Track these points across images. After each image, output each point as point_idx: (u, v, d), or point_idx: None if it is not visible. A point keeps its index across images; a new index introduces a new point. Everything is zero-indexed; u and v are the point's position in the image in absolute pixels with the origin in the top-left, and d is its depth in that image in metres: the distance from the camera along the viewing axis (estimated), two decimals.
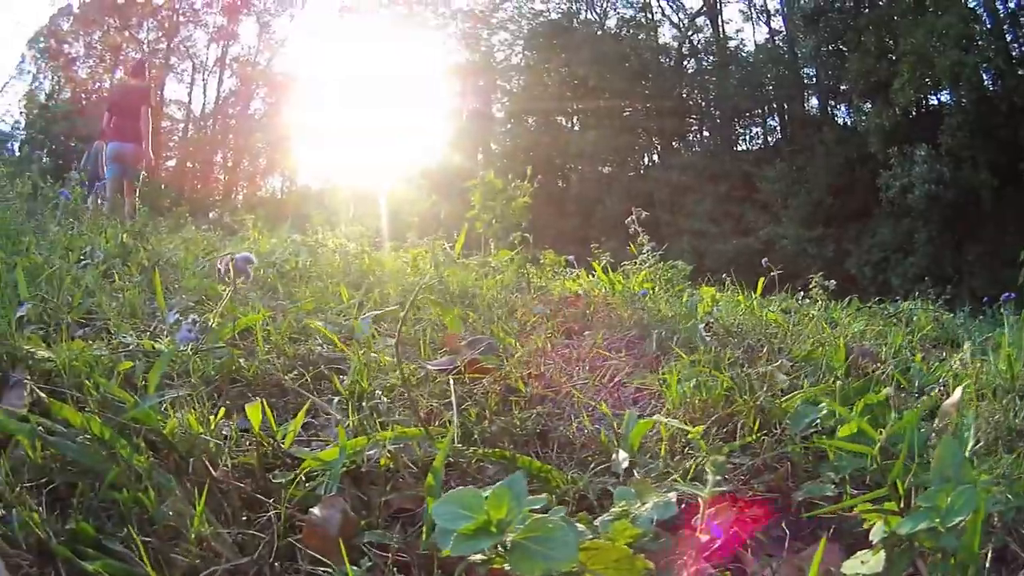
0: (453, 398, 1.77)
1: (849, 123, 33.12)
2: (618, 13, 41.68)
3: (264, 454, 1.45)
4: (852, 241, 28.02)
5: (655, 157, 40.30)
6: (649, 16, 40.55)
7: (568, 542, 0.94)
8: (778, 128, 36.85)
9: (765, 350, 2.88)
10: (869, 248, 27.48)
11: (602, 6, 42.03)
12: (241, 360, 1.97)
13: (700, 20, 39.72)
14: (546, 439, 1.82)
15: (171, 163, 51.72)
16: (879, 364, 2.74)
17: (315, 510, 1.26)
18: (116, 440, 1.31)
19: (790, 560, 1.33)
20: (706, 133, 39.87)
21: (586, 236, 32.62)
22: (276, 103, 50.04)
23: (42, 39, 55.34)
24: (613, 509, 1.24)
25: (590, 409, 1.92)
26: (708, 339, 2.89)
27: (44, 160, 48.49)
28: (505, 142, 43.41)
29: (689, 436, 1.67)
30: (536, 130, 40.48)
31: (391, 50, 49.22)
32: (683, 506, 1.39)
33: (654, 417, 1.75)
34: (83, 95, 53.38)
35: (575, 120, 41.80)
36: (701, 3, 39.29)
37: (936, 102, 30.11)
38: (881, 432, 1.54)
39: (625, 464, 1.58)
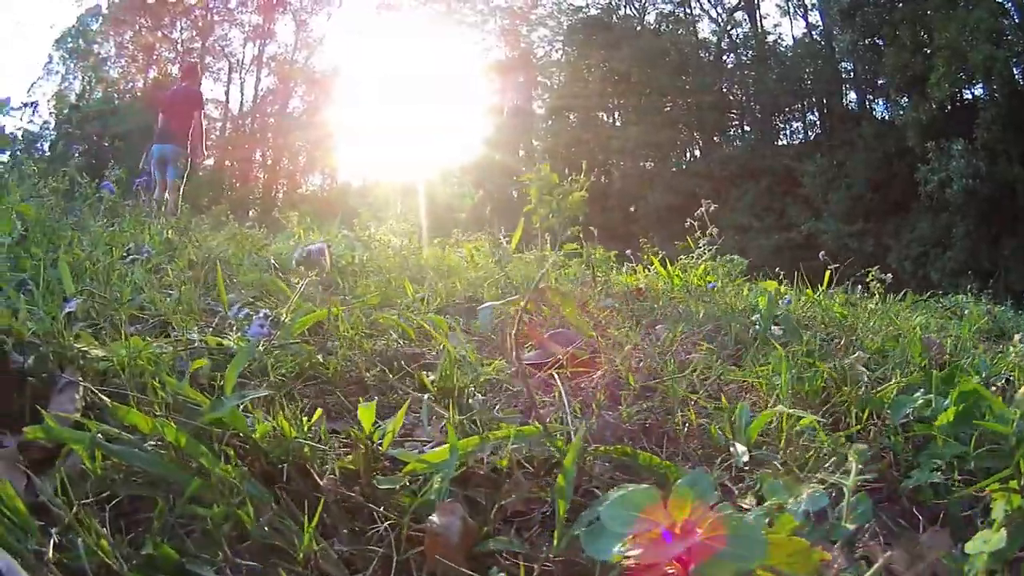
0: (563, 393, 1.76)
1: (887, 117, 33.45)
2: (657, 8, 42.50)
3: (358, 456, 1.43)
4: (892, 236, 28.66)
5: (696, 152, 41.20)
6: (688, 11, 41.29)
7: (758, 540, 0.93)
8: (817, 122, 37.55)
9: (843, 342, 3.02)
10: (908, 243, 28.13)
11: (641, 1, 42.82)
12: (319, 356, 2.01)
13: (738, 15, 40.31)
14: (650, 433, 1.84)
15: (209, 162, 51.31)
16: (947, 356, 2.94)
17: (434, 518, 1.24)
18: (195, 448, 1.27)
19: (906, 545, 1.35)
20: (746, 128, 40.49)
21: (628, 232, 31.68)
22: (315, 101, 51.28)
23: (70, 39, 56.74)
24: (766, 503, 1.25)
25: (691, 402, 1.96)
26: (780, 333, 2.98)
27: (78, 158, 50.92)
28: (546, 139, 44.21)
29: (802, 424, 1.77)
30: (577, 126, 41.21)
31: (430, 47, 50.64)
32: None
33: (777, 408, 1.82)
34: (115, 95, 55.37)
35: (616, 116, 42.67)
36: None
37: (971, 96, 30.54)
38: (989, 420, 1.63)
39: (745, 457, 1.63)
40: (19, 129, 58.39)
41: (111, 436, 1.27)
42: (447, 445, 1.41)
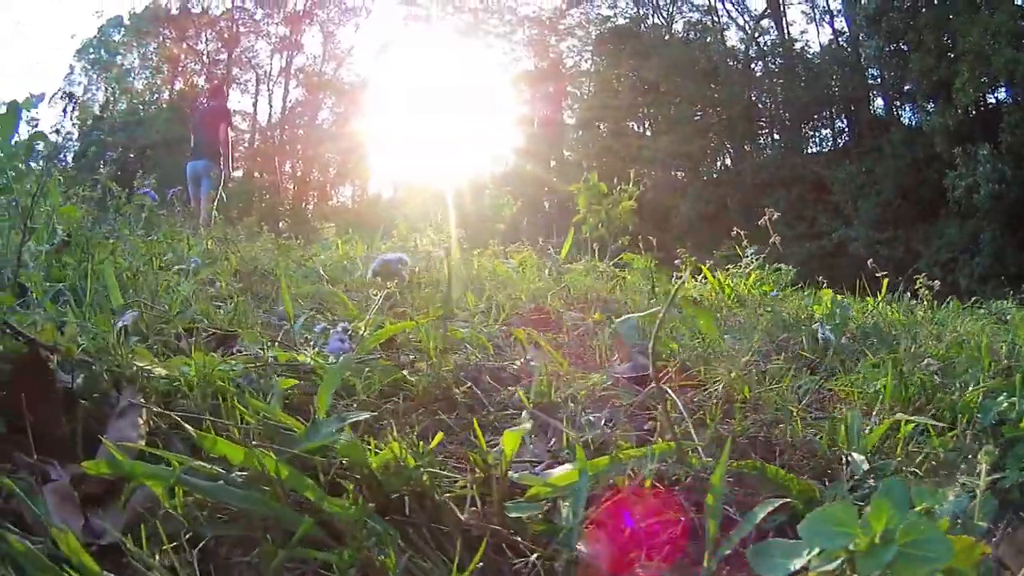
0: (681, 407, 1.77)
1: (915, 124, 33.86)
2: (684, 16, 43.39)
3: (477, 482, 1.36)
4: (921, 242, 29.08)
5: (727, 161, 41.70)
6: (715, 19, 42.03)
7: (944, 541, 0.94)
8: (846, 130, 38.12)
9: (912, 349, 3.01)
10: (938, 248, 28.56)
11: (668, 10, 43.67)
12: (404, 372, 1.96)
13: (765, 22, 40.90)
14: (756, 445, 1.87)
15: (238, 173, 52.53)
16: (1006, 361, 2.96)
17: (581, 546, 1.22)
18: (299, 481, 1.18)
19: (1011, 540, 1.38)
20: (776, 136, 41.15)
21: (661, 241, 35.03)
22: (344, 112, 52.11)
23: (92, 50, 57.53)
24: (916, 508, 1.16)
25: (793, 413, 1.98)
26: (846, 342, 3.04)
27: (102, 170, 51.49)
28: (577, 149, 45.38)
29: (906, 429, 1.82)
30: (608, 136, 41.65)
31: (458, 58, 51.56)
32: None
33: (897, 416, 1.88)
34: (140, 106, 56.23)
35: (646, 125, 43.37)
36: (765, 5, 40.28)
37: (995, 100, 31.06)
38: None
39: (865, 465, 1.65)
40: (55, 129, 59.37)
41: (190, 468, 1.20)
42: (572, 467, 1.38)
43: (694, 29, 42.50)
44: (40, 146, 2.94)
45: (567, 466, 1.43)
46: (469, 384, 2.04)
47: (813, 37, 41.93)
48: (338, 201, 52.96)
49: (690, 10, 43.08)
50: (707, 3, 41.91)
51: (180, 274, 3.24)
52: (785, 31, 40.02)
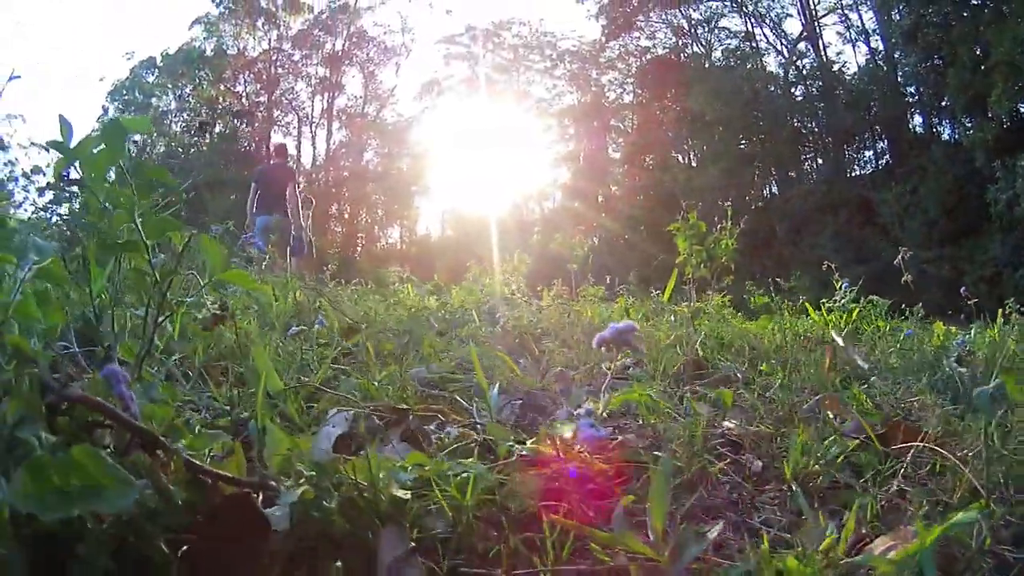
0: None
1: (955, 139, 34.44)
2: (723, 44, 45.03)
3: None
4: (966, 259, 29.64)
5: (773, 189, 43.25)
6: (753, 44, 43.44)
7: None
8: (887, 149, 38.64)
9: None
10: (982, 264, 29.23)
11: (707, 38, 45.33)
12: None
13: (802, 45, 42.49)
14: None
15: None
16: None
17: None
18: None
19: None
20: (820, 161, 42.23)
21: (710, 272, 36.59)
22: (389, 153, 54.03)
23: (125, 91, 59.35)
24: None
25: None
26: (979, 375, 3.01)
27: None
28: (624, 182, 46.94)
29: None
30: (654, 168, 43.28)
31: (501, 95, 53.76)
32: None
33: None
34: (180, 149, 57.98)
35: (691, 156, 44.95)
36: (801, 28, 41.79)
37: None
38: None
39: None
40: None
41: None
42: (911, 541, 1.24)
43: (733, 56, 44.02)
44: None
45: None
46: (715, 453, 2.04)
47: (850, 57, 43.62)
48: (386, 243, 54.35)
49: (728, 37, 44.77)
50: (744, 29, 43.48)
51: (304, 338, 3.20)
52: (823, 53, 41.47)
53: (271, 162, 14.00)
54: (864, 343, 4.72)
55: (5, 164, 53.48)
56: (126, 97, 59.81)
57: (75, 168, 2.11)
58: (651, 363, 3.32)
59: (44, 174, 56.67)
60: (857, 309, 5.45)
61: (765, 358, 3.69)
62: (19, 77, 2.44)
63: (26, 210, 55.72)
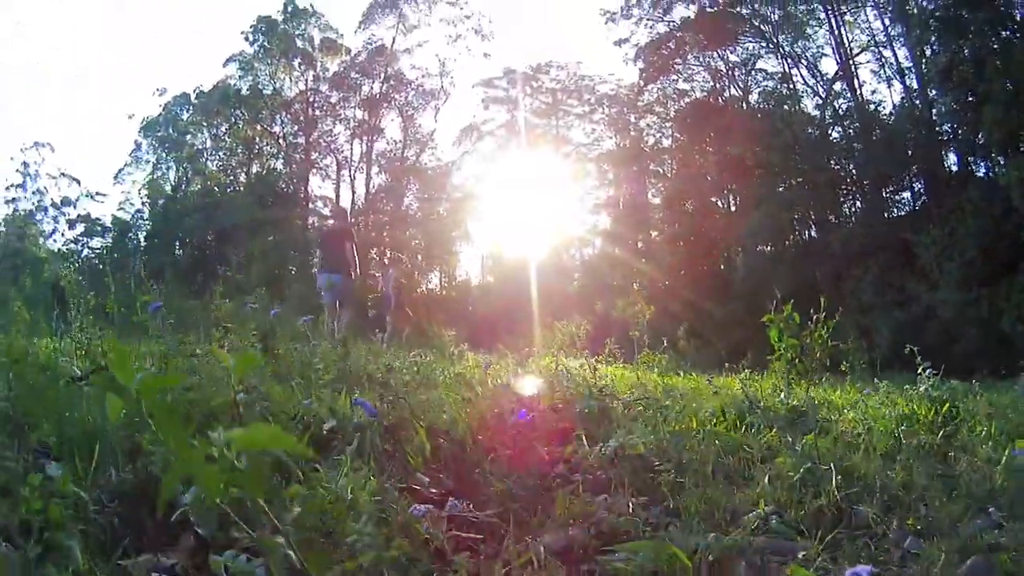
0: None
1: (989, 177, 34.60)
2: (759, 86, 46.21)
3: None
4: (1003, 299, 29.29)
5: (812, 232, 42.53)
6: (790, 86, 44.34)
7: None
8: (923, 190, 38.86)
9: None
10: (1019, 303, 28.79)
11: (744, 80, 46.63)
12: None
13: (838, 85, 43.13)
14: None
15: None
16: None
17: None
18: None
19: None
20: (859, 203, 42.31)
21: (752, 320, 36.41)
22: (429, 198, 55.65)
23: (159, 127, 61.20)
24: None
25: None
26: None
27: (178, 252, 55.54)
28: (663, 228, 48.20)
29: None
30: (694, 214, 44.30)
31: (540, 140, 55.53)
32: None
33: None
34: (216, 188, 60.11)
35: (731, 200, 46.12)
36: (837, 67, 42.67)
37: None
38: None
39: None
40: (121, 206, 61.49)
41: None
42: None
43: (770, 98, 44.99)
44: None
45: None
46: None
47: (885, 95, 43.20)
48: (426, 289, 55.18)
49: (764, 78, 46.09)
50: (781, 70, 44.64)
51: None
52: (859, 93, 42.24)
53: (330, 223, 15.13)
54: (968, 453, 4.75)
55: (33, 193, 56.11)
56: (160, 134, 61.65)
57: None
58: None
59: (74, 206, 58.85)
60: (947, 406, 5.23)
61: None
62: None
63: (55, 240, 58.39)
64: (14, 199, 55.93)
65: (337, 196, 58.96)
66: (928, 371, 5.61)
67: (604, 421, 4.78)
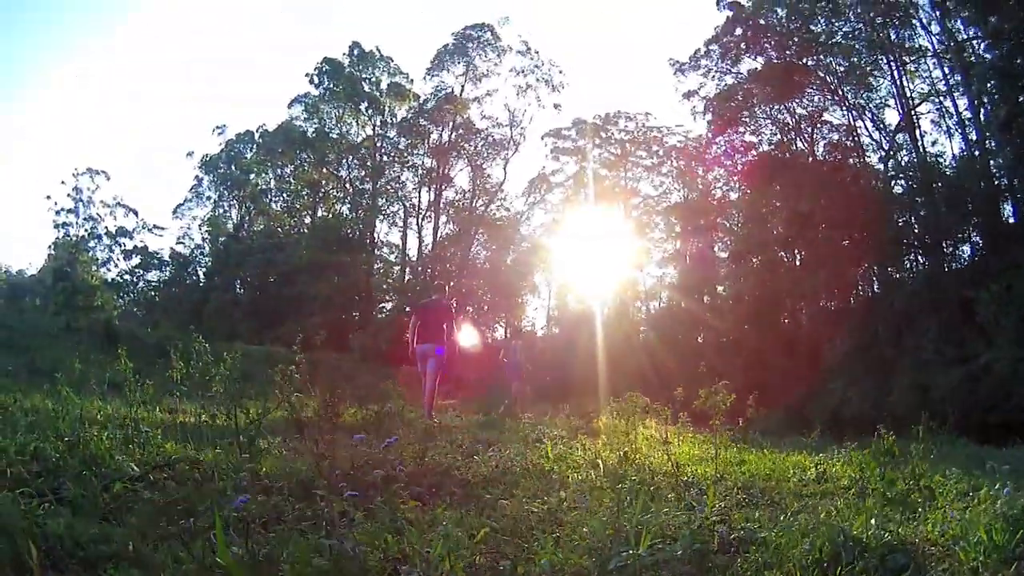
0: None
1: None
2: (825, 138, 48.04)
3: None
4: None
5: (875, 288, 43.94)
6: (855, 138, 46.08)
7: None
8: (982, 243, 39.45)
9: None
10: None
11: (810, 133, 48.45)
12: None
13: (900, 137, 44.36)
14: None
15: (387, 306, 60.04)
16: None
17: None
18: None
19: None
20: (920, 258, 43.29)
21: (815, 375, 37.61)
22: (496, 248, 58.58)
23: (220, 165, 65.98)
24: None
25: None
26: None
27: (239, 291, 59.46)
28: (729, 284, 50.78)
29: None
30: (761, 269, 45.95)
31: (609, 192, 58.59)
32: None
33: None
34: (279, 229, 63.96)
35: (797, 255, 47.41)
36: (899, 118, 43.76)
37: None
38: None
39: None
40: (179, 240, 66.52)
41: None
42: None
43: (836, 150, 46.95)
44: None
45: None
46: None
47: (946, 146, 44.26)
48: (491, 340, 56.51)
49: (830, 131, 47.88)
50: (846, 123, 46.47)
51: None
52: (920, 146, 43.52)
53: (433, 296, 16.36)
54: None
55: (86, 219, 60.96)
56: (221, 171, 66.38)
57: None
58: None
59: (131, 236, 64.41)
60: None
61: None
62: None
63: (109, 270, 63.57)
64: (65, 224, 60.21)
65: (404, 243, 62.57)
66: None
67: None
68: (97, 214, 61.74)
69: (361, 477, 5.69)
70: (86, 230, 61.49)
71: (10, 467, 4.95)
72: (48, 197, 60.16)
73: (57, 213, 59.72)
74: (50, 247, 63.01)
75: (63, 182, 60.43)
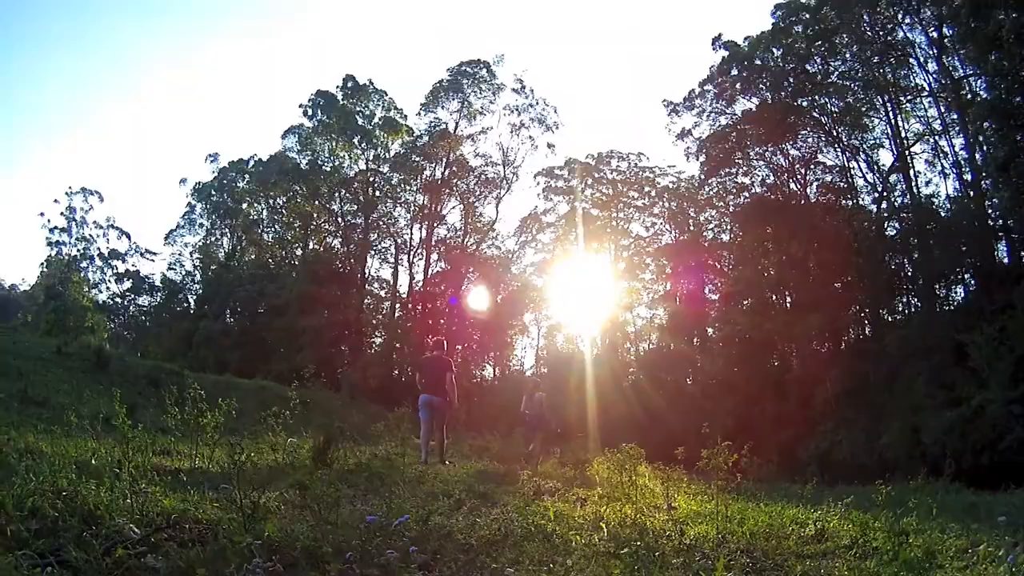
0: None
1: None
2: (819, 179, 49.13)
3: None
4: None
5: (867, 330, 45.60)
6: (848, 178, 47.11)
7: None
8: (975, 285, 39.69)
9: None
10: None
11: (803, 175, 49.26)
12: None
13: (893, 177, 45.50)
14: None
15: (377, 341, 60.91)
16: None
17: None
18: None
19: None
20: (914, 300, 44.20)
21: (806, 417, 38.49)
22: (487, 286, 58.41)
23: (213, 192, 67.44)
24: None
25: None
26: None
27: (229, 320, 60.53)
28: (719, 325, 51.27)
29: None
30: (752, 311, 46.46)
31: (599, 232, 59.43)
32: None
33: None
34: (270, 260, 65.43)
35: (787, 297, 48.38)
36: (893, 158, 45.47)
37: None
38: None
39: None
40: (170, 266, 67.97)
41: None
42: None
43: (830, 191, 48.04)
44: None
45: None
46: None
47: (940, 186, 46.56)
48: (480, 379, 59.04)
49: (823, 172, 49.02)
50: (840, 164, 47.57)
51: None
52: (914, 187, 44.51)
53: (432, 353, 16.74)
54: None
55: (79, 239, 62.06)
56: (214, 199, 67.97)
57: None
58: None
59: (123, 259, 66.09)
60: None
61: None
62: None
63: (100, 292, 65.10)
64: (58, 243, 61.42)
65: (395, 279, 63.04)
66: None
67: None
68: (90, 235, 63.04)
69: (366, 545, 5.71)
70: (79, 250, 62.75)
71: (9, 524, 5.00)
72: (42, 214, 61.92)
73: (51, 231, 61.03)
74: (42, 264, 64.95)
75: (56, 200, 61.80)
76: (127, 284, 67.51)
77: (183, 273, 69.92)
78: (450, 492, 9.72)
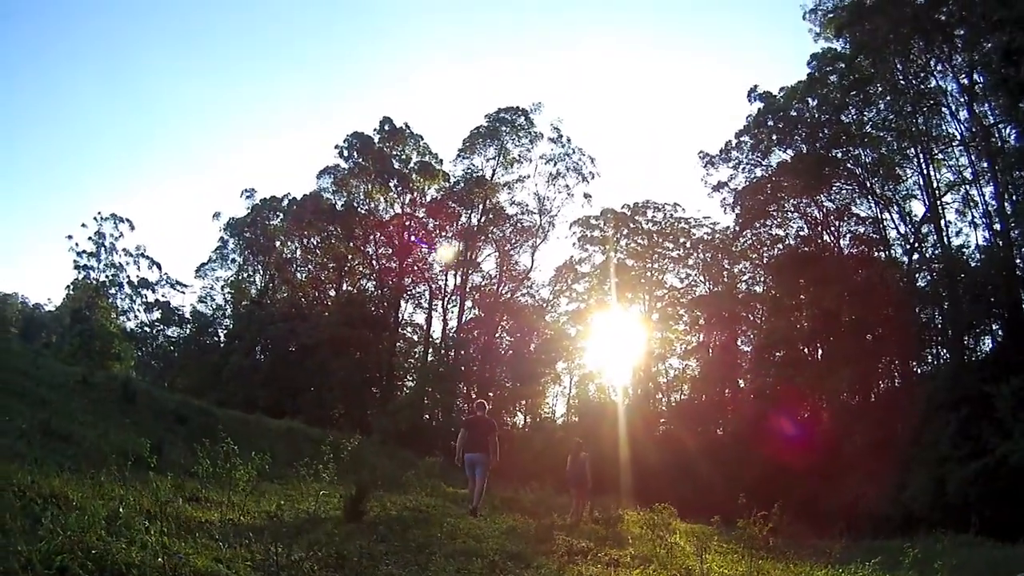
0: None
1: None
2: (852, 230, 50.28)
3: None
4: None
5: (896, 382, 46.91)
6: (881, 230, 48.20)
7: None
8: (1003, 336, 40.05)
9: None
10: None
11: (836, 226, 50.55)
12: None
13: (925, 228, 46.32)
14: None
15: (409, 384, 62.49)
16: None
17: None
18: None
19: None
20: (943, 351, 44.73)
21: (835, 471, 39.55)
22: (521, 335, 60.55)
23: (247, 230, 69.09)
24: None
25: None
26: None
27: (259, 357, 62.15)
28: (750, 376, 52.62)
29: None
30: (784, 363, 47.77)
31: (634, 282, 61.25)
32: None
33: None
34: (303, 299, 66.51)
35: (819, 350, 49.51)
36: (924, 209, 46.40)
37: None
38: None
39: None
40: (201, 298, 69.72)
41: None
42: None
43: (862, 242, 49.16)
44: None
45: None
46: None
47: (971, 235, 45.65)
48: (511, 426, 59.33)
49: (856, 223, 50.18)
50: (872, 216, 48.73)
51: None
52: (945, 237, 44.92)
53: (477, 414, 17.53)
54: None
55: (107, 265, 64.40)
56: (247, 235, 69.64)
57: None
58: None
59: (153, 289, 68.52)
60: None
61: None
62: None
63: (128, 319, 67.24)
64: (86, 267, 63.55)
65: (428, 325, 64.65)
66: None
67: None
68: (120, 262, 65.26)
69: None
70: (107, 276, 64.93)
71: None
72: (69, 237, 63.59)
73: (79, 255, 62.98)
74: (68, 287, 66.77)
75: (84, 225, 63.85)
76: (156, 314, 69.30)
77: (214, 307, 71.47)
78: (483, 552, 9.76)
